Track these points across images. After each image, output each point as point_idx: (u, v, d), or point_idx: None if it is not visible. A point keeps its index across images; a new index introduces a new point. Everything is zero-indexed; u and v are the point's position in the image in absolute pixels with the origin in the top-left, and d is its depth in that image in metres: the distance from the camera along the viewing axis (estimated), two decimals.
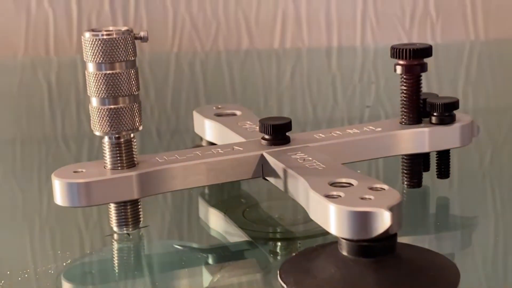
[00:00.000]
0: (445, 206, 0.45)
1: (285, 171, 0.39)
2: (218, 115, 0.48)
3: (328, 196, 0.34)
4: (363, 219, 0.33)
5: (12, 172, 0.50)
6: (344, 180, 0.36)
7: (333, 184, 0.36)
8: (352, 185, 0.36)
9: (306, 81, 0.77)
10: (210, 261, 0.39)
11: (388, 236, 0.33)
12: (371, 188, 0.35)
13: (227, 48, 0.90)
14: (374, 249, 0.34)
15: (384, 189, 0.35)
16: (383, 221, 0.33)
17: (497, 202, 0.45)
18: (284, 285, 0.34)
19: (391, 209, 0.33)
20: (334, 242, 0.35)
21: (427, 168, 0.45)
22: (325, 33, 0.91)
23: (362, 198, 0.34)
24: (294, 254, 0.37)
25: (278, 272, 0.35)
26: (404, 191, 0.45)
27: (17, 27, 0.89)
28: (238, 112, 0.48)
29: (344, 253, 0.34)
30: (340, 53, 0.89)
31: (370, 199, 0.34)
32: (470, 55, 0.87)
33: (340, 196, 0.34)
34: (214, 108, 0.49)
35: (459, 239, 0.41)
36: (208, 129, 0.48)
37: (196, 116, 0.49)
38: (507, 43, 0.90)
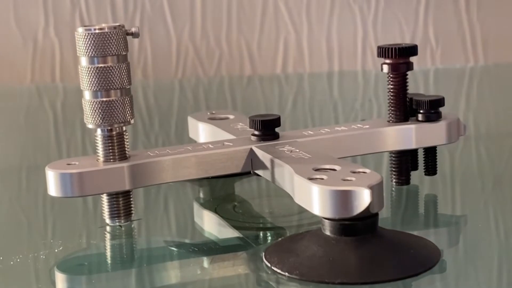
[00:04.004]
0: (433, 202, 0.46)
1: (272, 161, 0.40)
2: (212, 119, 0.49)
3: (311, 179, 0.35)
4: (344, 198, 0.34)
5: (17, 200, 0.51)
6: (328, 166, 0.37)
7: (317, 170, 0.37)
8: (336, 170, 0.37)
9: (308, 105, 0.78)
10: (201, 253, 0.40)
11: (370, 215, 0.34)
12: (353, 172, 0.36)
13: (230, 74, 0.92)
14: (355, 227, 0.34)
15: (366, 172, 0.36)
16: (363, 199, 0.34)
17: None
18: (268, 264, 0.35)
19: (371, 188, 0.34)
20: (319, 227, 0.36)
21: (415, 167, 0.46)
22: (326, 60, 0.92)
23: (344, 180, 0.35)
24: (279, 239, 0.38)
25: (263, 254, 0.36)
26: (393, 188, 0.45)
27: (24, 55, 0.91)
28: (231, 116, 0.49)
29: (327, 233, 0.35)
30: (341, 79, 0.90)
31: (351, 180, 0.35)
32: (470, 80, 0.88)
33: (323, 178, 0.35)
34: (208, 113, 0.50)
35: (447, 235, 0.42)
36: (202, 131, 0.49)
37: (191, 120, 0.50)
38: (507, 67, 0.91)
